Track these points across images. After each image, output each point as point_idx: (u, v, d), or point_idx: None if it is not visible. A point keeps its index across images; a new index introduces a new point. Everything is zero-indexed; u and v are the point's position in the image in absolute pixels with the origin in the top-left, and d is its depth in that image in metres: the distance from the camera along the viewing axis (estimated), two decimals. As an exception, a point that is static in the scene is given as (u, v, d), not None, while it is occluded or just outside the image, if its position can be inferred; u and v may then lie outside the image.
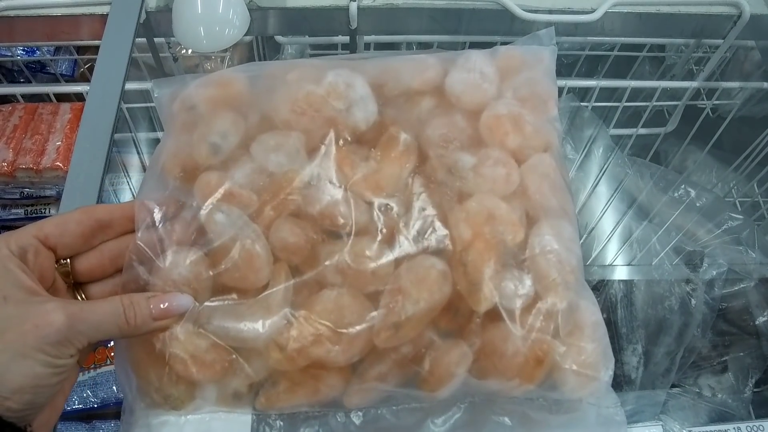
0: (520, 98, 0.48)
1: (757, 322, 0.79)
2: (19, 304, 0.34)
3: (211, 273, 0.41)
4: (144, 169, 0.82)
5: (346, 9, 0.74)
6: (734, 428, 0.60)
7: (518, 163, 0.46)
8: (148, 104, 0.83)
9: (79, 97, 0.86)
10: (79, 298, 0.41)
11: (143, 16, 0.71)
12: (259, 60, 0.99)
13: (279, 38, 0.92)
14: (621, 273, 0.80)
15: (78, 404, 0.69)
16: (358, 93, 0.46)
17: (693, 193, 0.89)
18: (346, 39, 0.82)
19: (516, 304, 0.41)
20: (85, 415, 0.69)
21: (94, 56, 0.94)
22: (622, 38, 0.99)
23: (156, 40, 0.77)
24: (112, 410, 0.69)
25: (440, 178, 0.44)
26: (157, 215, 0.42)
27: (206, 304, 0.41)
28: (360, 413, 0.44)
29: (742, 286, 0.79)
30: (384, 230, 0.42)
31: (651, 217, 0.86)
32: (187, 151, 0.45)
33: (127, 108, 0.77)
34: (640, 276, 0.79)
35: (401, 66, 0.49)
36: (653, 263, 0.80)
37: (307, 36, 0.95)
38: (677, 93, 0.97)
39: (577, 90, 0.93)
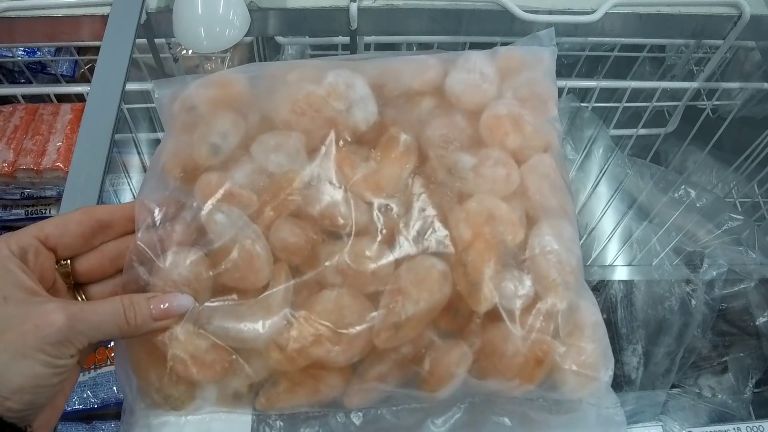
0: (520, 99, 0.48)
1: (757, 323, 0.79)
2: (20, 305, 0.34)
3: (211, 273, 0.41)
4: (144, 169, 0.82)
5: (347, 9, 0.74)
6: (734, 429, 0.60)
7: (518, 164, 0.46)
8: (149, 105, 0.83)
9: (80, 98, 0.86)
10: (79, 298, 0.41)
11: (144, 16, 0.71)
12: (260, 60, 0.99)
13: (279, 39, 0.92)
14: (621, 273, 0.80)
15: (78, 404, 0.69)
16: (359, 93, 0.46)
17: (693, 193, 0.89)
18: (346, 39, 0.83)
19: (516, 305, 0.41)
20: (86, 416, 0.69)
21: (94, 57, 0.93)
22: (622, 39, 0.99)
23: (156, 40, 0.77)
24: (113, 411, 0.69)
25: (440, 178, 0.44)
26: (158, 216, 0.42)
27: (206, 304, 0.41)
28: (360, 413, 0.44)
29: (742, 286, 0.79)
30: (384, 231, 0.42)
31: (651, 218, 0.86)
32: (187, 151, 0.45)
33: (127, 108, 0.77)
34: (640, 276, 0.79)
35: (401, 66, 0.49)
36: (653, 264, 0.80)
37: (307, 36, 0.95)
38: (677, 93, 0.97)
39: (577, 90, 0.93)
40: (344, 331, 0.40)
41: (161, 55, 0.82)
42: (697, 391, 0.78)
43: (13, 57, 0.91)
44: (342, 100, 0.46)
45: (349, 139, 0.45)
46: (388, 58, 0.50)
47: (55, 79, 0.96)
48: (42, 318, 0.34)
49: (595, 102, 0.88)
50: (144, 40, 0.76)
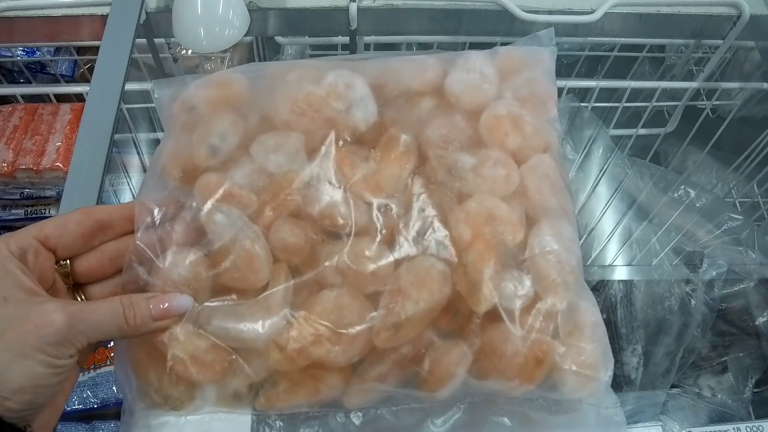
0: (520, 99, 0.48)
1: (756, 323, 0.79)
2: (19, 305, 0.34)
3: (210, 273, 0.41)
4: (144, 169, 0.82)
5: (346, 9, 0.74)
6: (734, 429, 0.60)
7: (518, 164, 0.46)
8: (148, 105, 0.83)
9: (79, 98, 0.86)
10: (78, 298, 0.41)
11: (143, 16, 0.71)
12: (259, 60, 0.99)
13: (279, 39, 0.92)
14: (621, 273, 0.80)
15: (78, 404, 0.69)
16: (358, 93, 0.46)
17: (693, 193, 0.89)
18: (346, 39, 0.83)
19: (516, 305, 0.41)
20: (85, 416, 0.69)
21: (94, 57, 0.94)
22: (622, 39, 0.99)
23: (156, 40, 0.77)
24: (112, 411, 0.69)
25: (440, 178, 0.44)
26: (157, 216, 0.42)
27: (206, 304, 0.41)
28: (360, 413, 0.44)
29: (741, 286, 0.79)
30: (384, 231, 0.42)
31: (651, 218, 0.86)
32: (187, 152, 0.45)
33: (127, 108, 0.77)
34: (640, 276, 0.79)
35: (401, 66, 0.49)
36: (653, 264, 0.80)
37: (307, 36, 0.95)
38: (677, 93, 0.97)
39: (577, 90, 0.93)
40: (344, 331, 0.40)
41: (161, 55, 0.82)
42: (697, 391, 0.78)
43: (12, 57, 0.91)
44: (342, 100, 0.46)
45: (349, 139, 0.45)
46: (388, 58, 0.50)
47: (55, 79, 0.96)
48: (42, 318, 0.34)
49: (595, 102, 0.88)
50: (143, 40, 0.76)
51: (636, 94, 0.93)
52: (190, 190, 0.43)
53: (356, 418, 0.44)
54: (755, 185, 0.93)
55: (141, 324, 0.38)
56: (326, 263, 0.41)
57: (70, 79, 0.97)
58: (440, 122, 0.46)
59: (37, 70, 0.96)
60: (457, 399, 0.44)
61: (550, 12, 0.76)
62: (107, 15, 0.67)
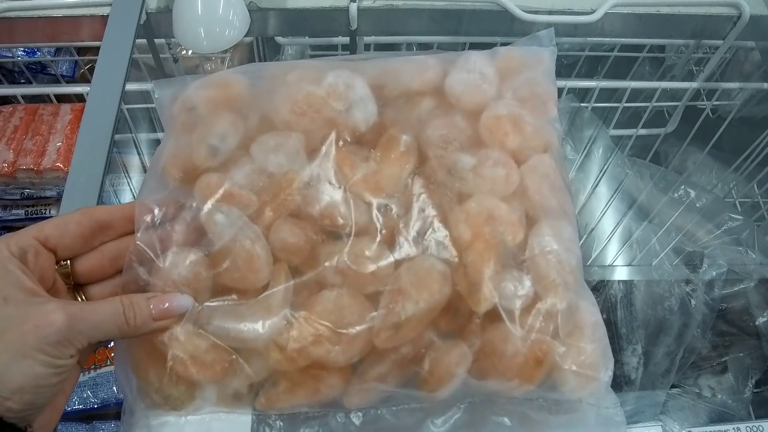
0: (520, 99, 0.48)
1: (757, 323, 0.79)
2: (20, 305, 0.34)
3: (210, 273, 0.41)
4: (144, 169, 0.82)
5: (346, 10, 0.74)
6: (734, 429, 0.60)
7: (518, 164, 0.46)
8: (149, 105, 0.83)
9: (80, 98, 0.86)
10: (79, 299, 0.41)
11: (143, 17, 0.71)
12: (260, 61, 0.99)
13: (279, 39, 0.92)
14: (621, 273, 0.80)
15: (78, 405, 0.69)
16: (358, 94, 0.46)
17: (693, 193, 0.89)
18: (346, 40, 0.83)
19: (516, 305, 0.41)
20: (86, 416, 0.69)
21: (94, 57, 0.94)
22: (622, 39, 0.99)
23: (156, 40, 0.77)
24: (113, 411, 0.69)
25: (440, 178, 0.44)
26: (157, 216, 0.42)
27: (206, 304, 0.41)
28: (360, 413, 0.44)
29: (742, 286, 0.79)
30: (384, 231, 0.42)
31: (651, 218, 0.86)
32: (187, 152, 0.45)
33: (127, 109, 0.77)
34: (640, 276, 0.79)
35: (401, 67, 0.49)
36: (653, 264, 0.80)
37: (307, 37, 0.95)
38: (677, 93, 0.97)
39: (577, 90, 0.93)
40: (344, 331, 0.40)
41: (161, 56, 0.82)
42: (697, 391, 0.78)
43: (13, 57, 0.91)
44: (342, 100, 0.46)
45: (349, 140, 0.45)
46: (388, 58, 0.50)
47: (55, 80, 0.96)
48: (42, 318, 0.34)
49: (595, 102, 0.88)
50: (144, 41, 0.76)
51: (636, 94, 0.93)
52: (190, 191, 0.43)
53: (356, 418, 0.44)
54: (755, 185, 0.93)
55: (141, 324, 0.38)
56: (326, 263, 0.41)
57: (71, 80, 0.97)
58: (440, 122, 0.46)
59: (38, 71, 0.96)
60: (457, 399, 0.44)
61: (550, 12, 0.76)
62: (107, 15, 0.67)
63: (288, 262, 0.42)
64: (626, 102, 0.86)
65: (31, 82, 0.96)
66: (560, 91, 0.85)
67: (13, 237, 0.37)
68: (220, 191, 0.42)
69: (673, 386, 0.77)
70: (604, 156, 0.88)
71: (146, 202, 0.42)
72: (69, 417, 0.69)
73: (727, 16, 0.79)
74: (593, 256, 0.83)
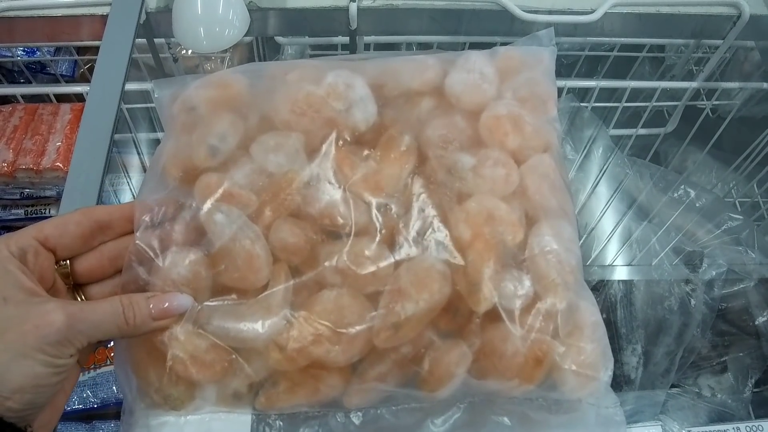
0: (520, 99, 0.48)
1: (756, 323, 0.79)
2: (19, 305, 0.34)
3: (210, 273, 0.41)
4: (144, 169, 0.82)
5: (346, 9, 0.74)
6: (734, 428, 0.60)
7: (518, 164, 0.46)
8: (149, 105, 0.83)
9: (80, 98, 0.86)
10: (79, 299, 0.41)
11: (143, 16, 0.71)
12: (259, 60, 0.99)
13: (279, 39, 0.92)
14: (621, 273, 0.80)
15: (78, 404, 0.69)
16: (358, 94, 0.46)
17: (693, 193, 0.89)
18: (346, 39, 0.83)
19: (515, 305, 0.41)
20: (85, 416, 0.69)
21: (94, 57, 0.94)
22: (622, 39, 0.99)
23: (156, 40, 0.77)
24: (112, 410, 0.70)
25: (440, 178, 0.44)
26: (157, 216, 0.42)
27: (206, 304, 0.41)
28: (360, 413, 0.44)
29: (741, 286, 0.79)
30: (383, 231, 0.42)
31: (651, 218, 0.86)
32: (187, 152, 0.45)
33: (127, 108, 0.77)
34: (640, 276, 0.79)
35: (401, 67, 0.49)
36: (653, 263, 0.80)
37: (307, 36, 0.95)
38: (677, 93, 0.97)
39: (576, 90, 0.93)
40: (344, 331, 0.40)
41: (161, 55, 0.82)
42: (697, 390, 0.78)
43: (12, 57, 0.91)
44: (341, 100, 0.46)
45: (349, 140, 0.45)
46: (388, 58, 0.50)
47: (55, 79, 0.96)
48: (41, 318, 0.34)
49: (595, 102, 0.88)
50: (144, 40, 0.76)
51: (636, 94, 0.93)
52: (190, 191, 0.43)
53: (356, 418, 0.44)
54: (755, 185, 0.93)
55: (141, 324, 0.38)
56: (326, 263, 0.41)
57: (71, 79, 0.97)
58: (440, 122, 0.46)
59: (38, 70, 0.96)
60: (457, 399, 0.44)
61: (550, 12, 0.76)
62: (107, 15, 0.67)
63: (288, 261, 0.42)
64: (626, 102, 0.86)
65: (30, 82, 0.96)
66: (560, 90, 0.85)
67: (13, 237, 0.37)
68: (220, 191, 0.42)
69: (672, 386, 0.78)
70: (604, 156, 0.88)
71: (146, 202, 0.42)
72: (69, 417, 0.69)
73: (727, 15, 0.79)
74: (593, 256, 0.83)
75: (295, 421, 0.44)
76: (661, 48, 1.06)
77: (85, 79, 0.99)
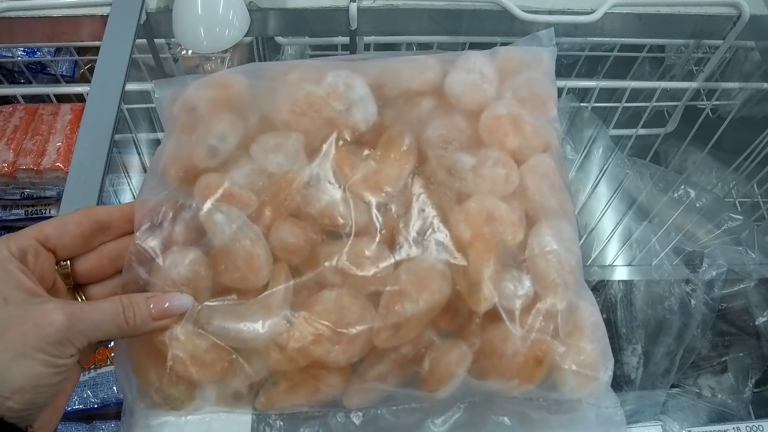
0: (520, 99, 0.48)
1: (756, 323, 0.79)
2: (20, 305, 0.34)
3: (210, 273, 0.41)
4: (144, 169, 0.82)
5: (346, 10, 0.74)
6: (734, 428, 0.60)
7: (518, 164, 0.46)
8: (149, 105, 0.83)
9: (80, 98, 0.86)
10: (79, 299, 0.41)
11: (143, 17, 0.71)
12: (259, 61, 0.99)
13: (279, 39, 0.92)
14: (621, 273, 0.80)
15: (78, 404, 0.69)
16: (358, 94, 0.46)
17: (693, 193, 0.89)
18: (346, 40, 0.83)
19: (515, 305, 0.41)
20: (86, 416, 0.69)
21: (94, 57, 0.94)
22: (622, 39, 0.99)
23: (156, 40, 0.77)
24: (113, 410, 0.70)
25: (440, 178, 0.44)
26: (157, 216, 0.42)
27: (206, 304, 0.41)
28: (360, 413, 0.44)
29: (741, 286, 0.79)
30: (384, 231, 0.42)
31: (651, 218, 0.86)
32: (187, 152, 0.45)
33: (127, 109, 0.77)
34: (640, 276, 0.79)
35: (401, 67, 0.49)
36: (653, 264, 0.80)
37: (307, 37, 0.95)
38: (677, 93, 0.97)
39: (576, 90, 0.93)
40: (344, 330, 0.40)
41: (161, 56, 0.82)
42: (697, 390, 0.78)
43: (12, 57, 0.91)
44: (341, 100, 0.46)
45: (349, 140, 0.45)
46: (388, 58, 0.50)
47: (55, 80, 0.96)
48: (42, 318, 0.34)
49: (595, 102, 0.88)
50: (144, 40, 0.76)
51: (636, 94, 0.93)
52: (190, 191, 0.43)
53: (356, 418, 0.44)
54: (755, 185, 0.93)
55: (141, 324, 0.38)
56: (326, 263, 0.41)
57: (71, 80, 0.97)
58: (440, 122, 0.46)
59: (38, 71, 0.96)
60: (457, 399, 0.44)
61: (550, 12, 0.76)
62: (107, 15, 0.67)
63: (288, 262, 0.42)
64: (626, 102, 0.86)
65: (31, 82, 0.96)
66: (560, 91, 0.85)
67: (13, 237, 0.37)
68: (220, 191, 0.42)
69: (673, 386, 0.78)
70: (604, 156, 0.88)
71: (146, 203, 0.42)
72: (69, 417, 0.69)
73: (727, 16, 0.79)
74: (593, 256, 0.83)
75: (296, 421, 0.44)
76: (661, 48, 1.06)
77: (85, 79, 0.99)
